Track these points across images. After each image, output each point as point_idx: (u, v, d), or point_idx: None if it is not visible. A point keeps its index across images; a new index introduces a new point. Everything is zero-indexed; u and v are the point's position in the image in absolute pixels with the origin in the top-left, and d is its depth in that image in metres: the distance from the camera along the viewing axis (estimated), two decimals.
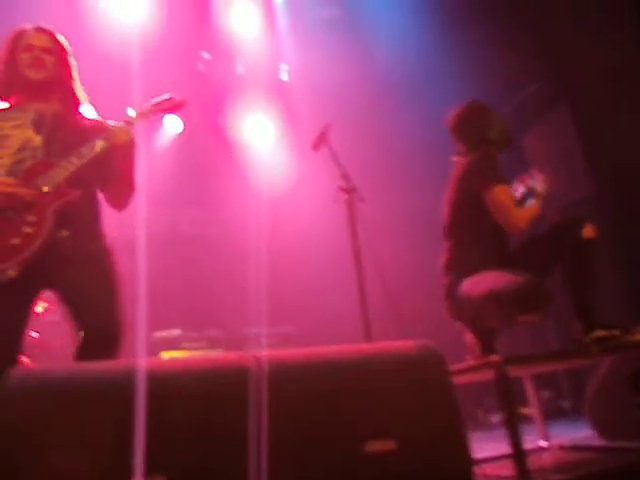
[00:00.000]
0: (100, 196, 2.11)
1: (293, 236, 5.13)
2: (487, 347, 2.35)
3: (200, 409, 1.33)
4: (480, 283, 2.26)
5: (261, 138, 6.03)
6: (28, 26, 2.07)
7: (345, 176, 2.90)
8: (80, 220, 1.91)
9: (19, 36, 2.02)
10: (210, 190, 5.62)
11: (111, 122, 2.06)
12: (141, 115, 2.08)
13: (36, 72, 1.98)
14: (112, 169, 2.02)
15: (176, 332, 4.60)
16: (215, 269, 5.37)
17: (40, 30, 2.06)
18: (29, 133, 1.94)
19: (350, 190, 2.85)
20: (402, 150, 5.45)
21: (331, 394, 1.43)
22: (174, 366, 1.43)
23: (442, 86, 4.75)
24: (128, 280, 1.93)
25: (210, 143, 5.79)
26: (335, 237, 3.75)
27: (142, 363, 1.30)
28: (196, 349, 4.56)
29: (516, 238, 2.45)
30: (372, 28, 5.36)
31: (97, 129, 2.00)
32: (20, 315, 1.87)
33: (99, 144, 1.92)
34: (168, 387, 1.35)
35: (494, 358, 1.98)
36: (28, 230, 1.77)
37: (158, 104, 2.15)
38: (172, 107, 2.19)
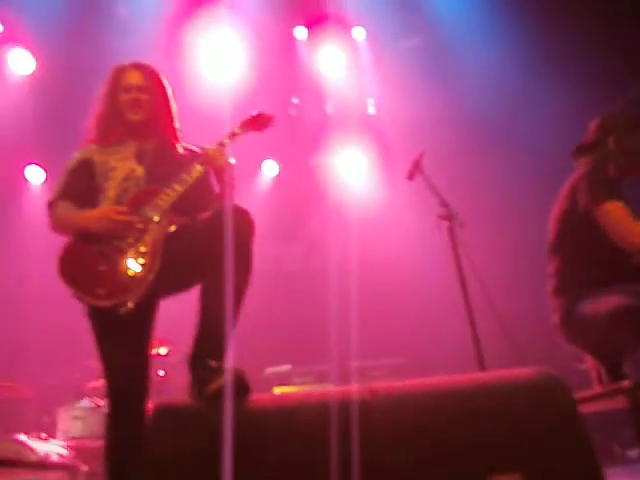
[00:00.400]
0: None
1: (395, 266, 5.12)
2: (615, 372, 2.17)
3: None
4: (607, 301, 2.07)
5: (355, 172, 6.17)
6: (126, 64, 2.14)
7: (444, 203, 2.89)
8: None
9: (118, 75, 2.11)
10: (309, 226, 5.80)
11: (205, 146, 2.12)
12: (233, 135, 2.12)
13: (134, 114, 2.06)
14: (211, 193, 2.06)
15: (286, 367, 4.72)
16: (319, 303, 5.48)
17: (137, 67, 2.13)
18: (132, 164, 2.03)
19: (450, 217, 2.83)
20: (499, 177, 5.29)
21: (450, 425, 1.41)
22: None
23: (534, 111, 4.61)
24: (244, 315, 1.98)
25: (306, 181, 6.01)
26: (438, 265, 3.70)
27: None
28: (305, 383, 4.63)
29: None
30: (456, 55, 5.35)
31: (193, 156, 2.08)
32: (144, 340, 1.94)
33: (197, 168, 1.98)
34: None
35: (626, 384, 1.83)
36: (142, 261, 1.80)
37: (247, 122, 2.16)
38: (261, 123, 2.18)
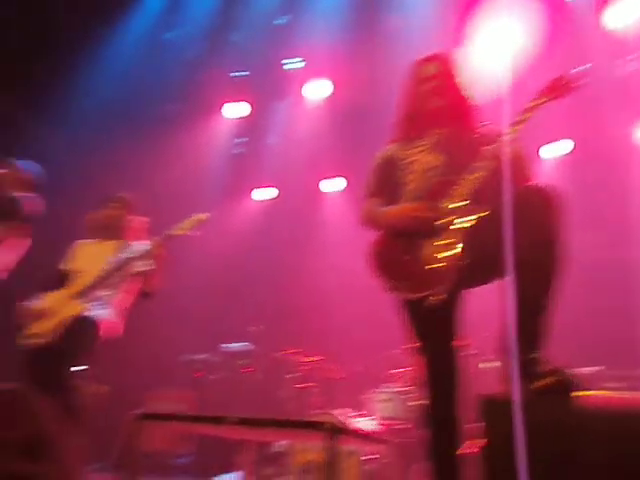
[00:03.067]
0: None
1: None
2: None
3: None
4: None
5: None
6: (421, 58, 2.23)
7: None
8: None
9: (415, 69, 2.20)
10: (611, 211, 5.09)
11: (501, 131, 1.93)
12: (529, 109, 1.91)
13: (434, 101, 2.11)
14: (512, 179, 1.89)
15: (595, 369, 4.24)
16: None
17: (431, 59, 2.20)
18: (430, 155, 2.08)
19: None
20: None
21: None
22: None
23: None
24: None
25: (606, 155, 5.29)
26: None
27: None
28: (618, 390, 4.08)
29: None
30: None
31: (489, 141, 1.96)
32: (453, 330, 1.98)
33: (494, 154, 1.86)
34: None
35: None
36: (447, 252, 1.82)
37: (547, 89, 1.93)
38: (564, 87, 1.92)
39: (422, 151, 2.11)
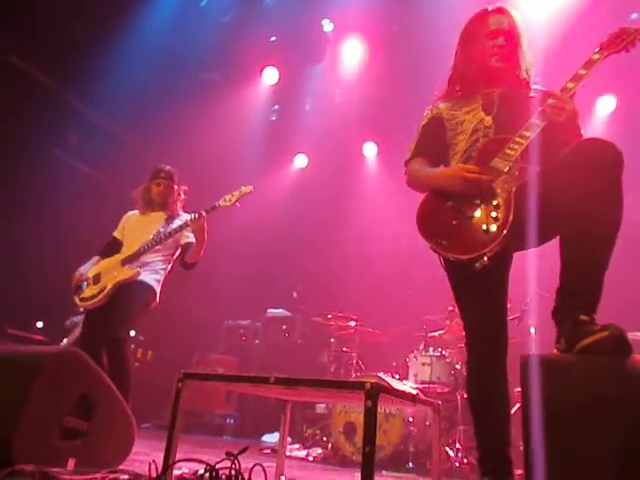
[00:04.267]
0: None
1: None
2: None
3: None
4: None
5: None
6: (489, 8, 2.07)
7: None
8: None
9: (480, 20, 2.06)
10: None
11: (552, 91, 1.89)
12: (590, 63, 1.85)
13: (499, 61, 2.01)
14: (566, 137, 1.84)
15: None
16: None
17: (501, 11, 2.05)
18: (480, 115, 1.99)
19: None
20: None
21: None
22: None
23: None
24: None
25: None
26: None
27: None
28: None
29: None
30: None
31: (544, 100, 1.86)
32: (500, 294, 1.93)
33: (546, 113, 1.79)
34: None
35: None
36: (495, 214, 1.75)
37: (607, 42, 1.87)
38: (627, 40, 1.85)
39: (472, 110, 2.03)
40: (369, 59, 6.14)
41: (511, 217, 1.73)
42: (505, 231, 1.72)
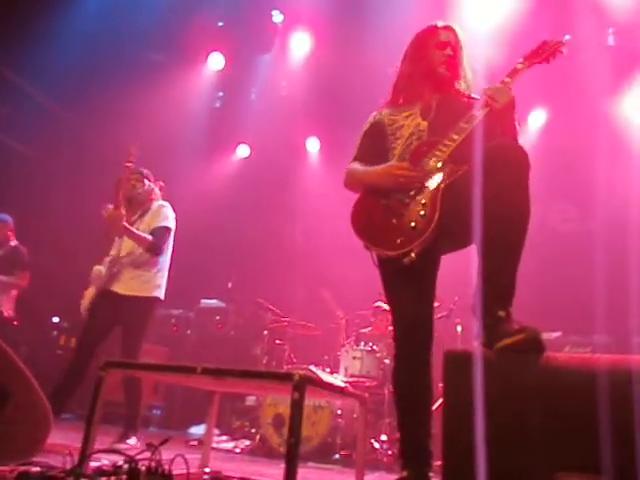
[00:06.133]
0: None
1: None
2: None
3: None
4: None
5: None
6: (438, 23, 2.16)
7: None
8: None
9: (429, 33, 2.15)
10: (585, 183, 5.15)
11: (487, 88, 1.98)
12: (515, 72, 1.95)
13: (447, 70, 2.09)
14: (493, 137, 1.90)
15: (555, 334, 4.40)
16: (597, 267, 4.88)
17: (449, 28, 2.15)
18: (418, 120, 2.08)
19: None
20: None
21: None
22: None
23: None
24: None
25: (582, 130, 5.33)
26: None
27: None
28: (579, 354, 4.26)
29: None
30: None
31: (476, 102, 2.00)
32: (427, 291, 2.00)
33: (479, 113, 1.90)
34: None
35: None
36: (423, 212, 1.82)
37: (532, 53, 1.99)
38: (548, 52, 1.97)
39: (411, 115, 2.11)
40: (316, 54, 6.14)
41: (437, 215, 1.80)
42: (431, 228, 1.79)
